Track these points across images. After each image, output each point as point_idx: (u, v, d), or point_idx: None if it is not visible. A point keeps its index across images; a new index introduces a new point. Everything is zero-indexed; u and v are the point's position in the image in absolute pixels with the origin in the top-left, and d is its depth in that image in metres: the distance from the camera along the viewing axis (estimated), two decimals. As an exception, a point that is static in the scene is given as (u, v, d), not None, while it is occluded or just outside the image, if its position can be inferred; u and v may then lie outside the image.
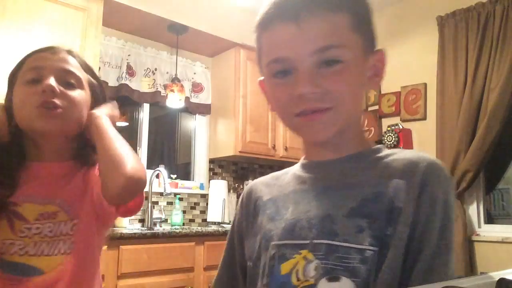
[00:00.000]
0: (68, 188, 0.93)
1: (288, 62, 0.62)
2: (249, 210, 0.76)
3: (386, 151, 0.68)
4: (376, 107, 3.35)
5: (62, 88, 0.89)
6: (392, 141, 3.03)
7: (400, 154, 0.66)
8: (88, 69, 0.98)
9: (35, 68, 0.90)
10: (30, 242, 0.85)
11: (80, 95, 0.92)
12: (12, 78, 0.93)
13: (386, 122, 3.27)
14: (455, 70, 2.83)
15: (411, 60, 3.17)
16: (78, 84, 0.93)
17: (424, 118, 3.06)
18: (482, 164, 2.67)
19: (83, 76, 0.95)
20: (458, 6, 2.89)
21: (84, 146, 0.97)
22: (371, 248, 0.58)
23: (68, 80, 0.91)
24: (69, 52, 0.95)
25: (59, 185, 0.92)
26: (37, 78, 0.88)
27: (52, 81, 0.87)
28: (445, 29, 2.95)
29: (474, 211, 2.83)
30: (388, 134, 3.07)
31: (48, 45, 0.95)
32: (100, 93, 0.99)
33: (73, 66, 0.93)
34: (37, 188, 0.90)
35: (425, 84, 3.08)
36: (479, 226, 2.81)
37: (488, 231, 2.76)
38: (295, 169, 0.75)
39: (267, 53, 0.65)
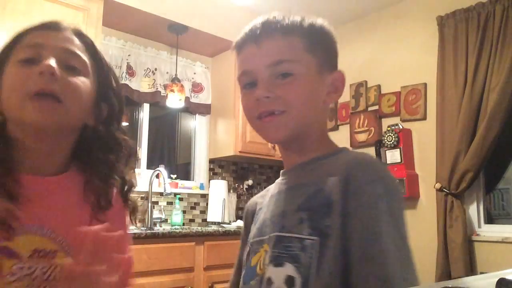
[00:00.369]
0: (69, 218, 0.75)
1: (251, 74, 0.75)
2: (247, 222, 0.89)
3: (342, 153, 0.78)
4: (376, 107, 3.34)
5: (64, 73, 0.73)
6: (392, 141, 3.03)
7: (344, 155, 0.76)
8: (96, 54, 0.81)
9: (33, 45, 0.73)
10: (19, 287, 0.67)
11: (84, 83, 0.76)
12: (3, 57, 0.76)
13: (386, 122, 3.26)
14: (455, 70, 2.83)
15: (411, 60, 3.17)
16: (83, 70, 0.77)
17: (424, 118, 3.06)
18: (482, 164, 2.67)
19: (90, 62, 0.79)
20: (458, 6, 2.89)
21: (85, 149, 0.81)
22: (310, 237, 0.67)
23: (71, 63, 0.75)
24: (76, 31, 0.80)
25: (58, 209, 0.74)
26: (34, 57, 0.72)
27: (52, 62, 0.71)
28: (445, 29, 2.95)
29: (474, 211, 2.83)
30: (388, 134, 3.07)
31: (52, 20, 0.78)
32: (108, 86, 0.82)
33: (80, 48, 0.77)
34: (32, 212, 0.71)
35: (425, 84, 3.08)
36: (479, 226, 2.81)
37: (488, 231, 2.75)
38: (278, 179, 0.86)
39: (238, 69, 0.80)
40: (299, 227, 0.69)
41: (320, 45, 0.78)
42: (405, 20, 3.26)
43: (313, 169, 0.76)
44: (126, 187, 0.83)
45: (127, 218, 0.86)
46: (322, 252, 0.65)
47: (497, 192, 3.01)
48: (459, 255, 2.64)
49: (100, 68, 0.81)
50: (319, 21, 0.80)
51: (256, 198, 0.90)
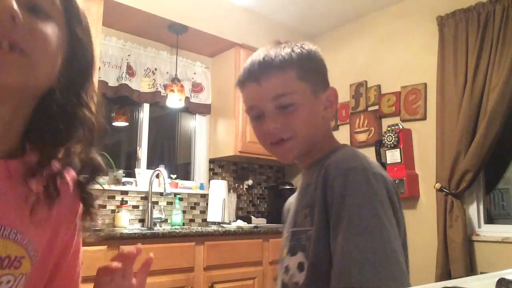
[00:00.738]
0: (32, 214, 0.59)
1: (257, 109, 0.88)
2: (285, 219, 1.02)
3: (337, 151, 0.86)
4: (376, 107, 3.34)
5: (27, 17, 0.54)
6: (392, 141, 3.03)
7: (337, 154, 0.85)
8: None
9: None
10: None
11: (54, 33, 0.57)
12: None
13: (386, 122, 3.26)
14: (455, 70, 2.83)
15: (411, 60, 3.17)
16: (54, 15, 0.57)
17: (424, 118, 3.06)
18: (482, 164, 2.67)
19: (61, 5, 0.60)
20: (458, 6, 2.89)
21: (41, 122, 0.61)
22: (310, 228, 0.81)
23: (38, 4, 0.55)
24: None
25: (20, 204, 0.58)
26: None
27: (12, 2, 0.51)
28: (445, 29, 2.95)
29: (474, 211, 2.83)
30: (388, 134, 3.07)
31: None
32: (80, 40, 0.63)
33: None
34: None
35: (425, 84, 3.08)
36: (479, 226, 2.81)
37: (488, 231, 2.75)
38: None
39: (245, 104, 0.93)
40: (304, 221, 0.84)
41: (310, 71, 0.89)
42: (405, 20, 3.26)
43: (316, 169, 0.86)
44: (89, 171, 0.65)
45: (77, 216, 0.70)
46: (314, 239, 0.79)
47: (497, 192, 3.01)
48: (459, 255, 2.64)
49: (72, 14, 0.61)
50: (305, 46, 0.91)
51: (291, 198, 1.03)
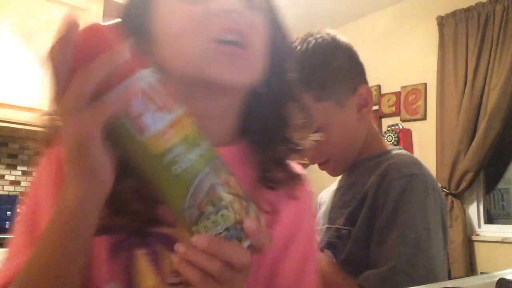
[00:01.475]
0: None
1: None
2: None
3: (389, 155, 0.83)
4: (376, 107, 3.34)
5: (246, 8, 0.51)
6: (392, 141, 3.03)
7: (389, 157, 0.82)
8: None
9: None
10: None
11: (262, 20, 0.53)
12: None
13: (386, 122, 3.26)
14: (455, 70, 2.83)
15: (411, 60, 3.17)
16: (260, 3, 0.53)
17: (424, 118, 3.06)
18: (482, 164, 2.67)
19: None
20: (458, 6, 2.89)
21: (254, 109, 0.57)
22: (343, 227, 0.79)
23: None
24: None
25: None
26: None
27: None
28: (445, 29, 2.95)
29: (474, 211, 2.83)
30: (388, 134, 3.07)
31: None
32: (278, 25, 0.57)
33: None
34: None
35: (425, 84, 3.08)
36: (479, 226, 2.81)
37: (488, 231, 2.75)
38: (341, 175, 0.96)
39: None
40: (338, 219, 0.81)
41: (329, 82, 0.82)
42: (405, 20, 3.26)
43: (362, 170, 0.84)
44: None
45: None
46: (353, 238, 0.76)
47: (497, 192, 3.01)
48: (459, 255, 2.64)
49: None
50: (321, 47, 0.83)
51: (322, 193, 1.01)
